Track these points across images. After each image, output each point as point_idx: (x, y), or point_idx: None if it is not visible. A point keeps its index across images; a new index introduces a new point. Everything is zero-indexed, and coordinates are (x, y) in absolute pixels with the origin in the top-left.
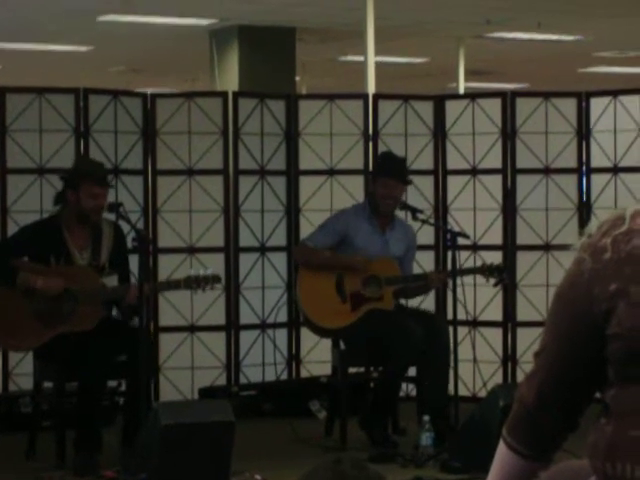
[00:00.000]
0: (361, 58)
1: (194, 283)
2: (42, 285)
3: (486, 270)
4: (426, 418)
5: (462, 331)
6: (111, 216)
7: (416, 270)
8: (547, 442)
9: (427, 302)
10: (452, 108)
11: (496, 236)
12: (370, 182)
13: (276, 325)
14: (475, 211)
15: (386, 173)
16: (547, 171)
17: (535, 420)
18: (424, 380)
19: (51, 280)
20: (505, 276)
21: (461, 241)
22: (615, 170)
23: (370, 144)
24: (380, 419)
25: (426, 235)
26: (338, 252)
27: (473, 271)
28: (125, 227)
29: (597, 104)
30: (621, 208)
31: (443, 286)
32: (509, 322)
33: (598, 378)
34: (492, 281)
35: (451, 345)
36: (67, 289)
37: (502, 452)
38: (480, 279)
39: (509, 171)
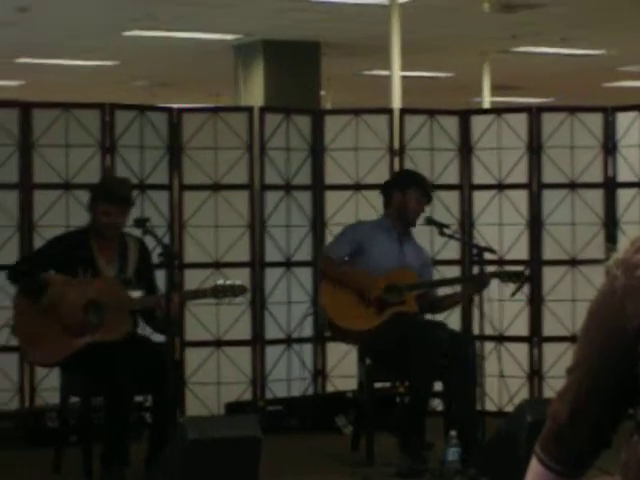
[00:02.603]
0: (386, 72)
1: (221, 292)
2: (64, 313)
3: (505, 275)
4: (453, 433)
5: (488, 346)
6: (137, 231)
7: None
8: (579, 459)
9: (453, 317)
10: (478, 123)
11: (522, 251)
12: (395, 195)
13: (302, 340)
14: (501, 226)
15: (419, 187)
16: (573, 186)
17: (567, 436)
18: (451, 395)
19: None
20: (524, 283)
21: (487, 256)
22: None
23: (396, 159)
24: (415, 433)
25: (452, 250)
26: (355, 262)
27: (493, 275)
28: (151, 242)
29: (623, 119)
30: None
31: (469, 301)
32: (535, 337)
33: (631, 395)
34: (512, 288)
35: (478, 360)
36: (94, 300)
37: (534, 468)
38: (505, 294)
39: (535, 186)
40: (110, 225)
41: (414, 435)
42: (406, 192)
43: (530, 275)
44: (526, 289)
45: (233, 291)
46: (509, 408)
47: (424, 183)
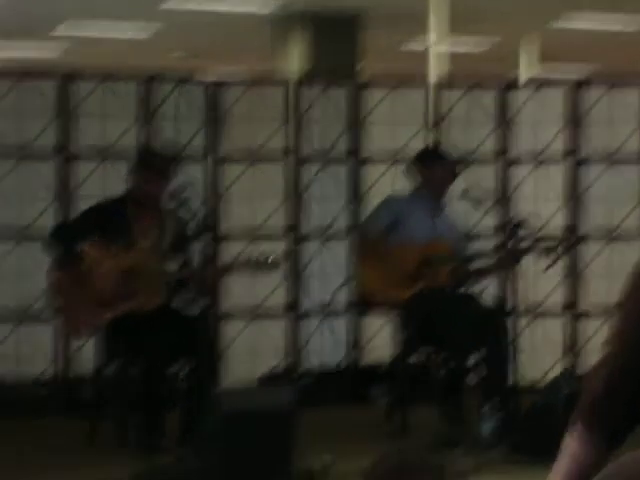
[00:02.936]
0: (425, 45)
1: (255, 265)
2: (99, 282)
3: (539, 250)
4: (488, 405)
5: (523, 320)
6: (174, 202)
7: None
8: (615, 433)
9: (487, 291)
10: (516, 96)
11: (559, 225)
12: (423, 169)
13: (337, 311)
14: (538, 200)
15: (444, 162)
16: (612, 160)
17: (603, 411)
18: (485, 368)
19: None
20: (559, 256)
21: (523, 230)
22: None
23: (433, 132)
24: (455, 401)
25: (488, 224)
26: (390, 236)
27: (528, 249)
28: (188, 213)
29: None
30: None
31: (504, 275)
32: (571, 311)
33: None
34: (545, 263)
35: (512, 334)
36: (129, 271)
37: (570, 441)
38: (541, 268)
39: (573, 159)
40: (150, 195)
41: (452, 407)
42: (431, 167)
43: (565, 249)
44: (562, 263)
45: (268, 264)
46: (544, 382)
47: (448, 158)
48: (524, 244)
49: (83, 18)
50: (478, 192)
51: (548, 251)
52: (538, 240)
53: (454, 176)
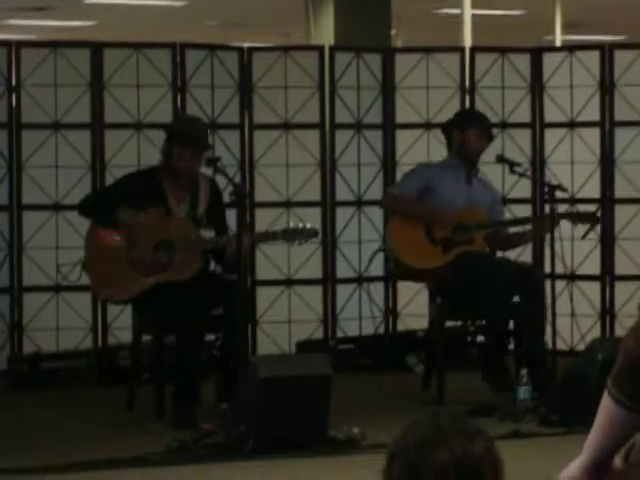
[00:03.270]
0: (457, 11)
1: (291, 235)
2: (134, 251)
3: (576, 217)
4: (524, 372)
5: (560, 285)
6: (208, 170)
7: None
8: None
9: (524, 256)
10: (549, 61)
11: (594, 189)
12: (459, 132)
13: (373, 279)
14: (573, 164)
15: (478, 125)
16: None
17: (639, 372)
18: (521, 333)
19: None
20: (595, 225)
21: (558, 194)
22: None
23: (466, 97)
24: (499, 367)
25: (523, 189)
26: (423, 202)
27: (564, 216)
28: (222, 182)
29: None
30: None
31: (540, 240)
32: (607, 275)
33: None
34: (582, 230)
35: (548, 299)
36: (165, 239)
37: (606, 404)
38: (577, 233)
39: (607, 124)
40: (186, 169)
41: (491, 374)
42: (465, 131)
43: (601, 215)
44: (598, 228)
45: (304, 234)
46: (580, 347)
47: (483, 121)
48: (561, 210)
49: None
50: (513, 156)
51: (585, 218)
52: (574, 205)
53: (489, 139)
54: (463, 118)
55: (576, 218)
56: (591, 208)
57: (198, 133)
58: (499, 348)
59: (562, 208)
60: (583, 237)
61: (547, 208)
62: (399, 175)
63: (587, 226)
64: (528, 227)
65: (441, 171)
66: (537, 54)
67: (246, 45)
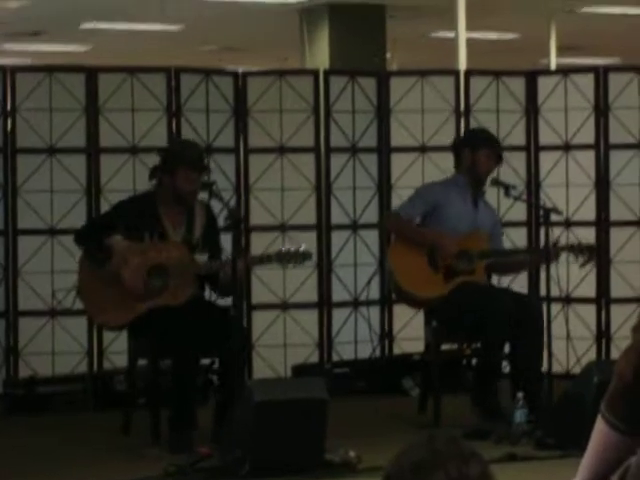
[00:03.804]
0: (452, 34)
1: (285, 258)
2: (128, 277)
3: (577, 250)
4: (520, 395)
5: (555, 308)
6: (203, 195)
7: (506, 246)
8: None
9: (520, 278)
10: (544, 84)
11: (589, 212)
12: (466, 153)
13: (369, 302)
14: (568, 187)
15: (489, 145)
16: None
17: (632, 395)
18: (518, 357)
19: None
20: (594, 257)
21: (554, 217)
22: None
23: (462, 120)
24: (490, 391)
25: (519, 212)
26: (428, 223)
27: (565, 249)
28: (217, 206)
29: None
30: None
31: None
32: (603, 298)
33: None
34: (580, 260)
35: (544, 322)
36: (158, 265)
37: (600, 428)
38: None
39: (602, 146)
40: (192, 192)
41: (485, 397)
42: (476, 150)
43: (597, 237)
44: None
45: (298, 257)
46: (576, 370)
47: (494, 141)
48: (557, 233)
49: (109, 12)
50: (508, 179)
51: (585, 252)
52: (568, 225)
53: (498, 161)
54: (475, 138)
55: (577, 251)
56: (587, 231)
57: (195, 154)
58: (492, 373)
59: (558, 231)
60: (581, 266)
61: (542, 232)
62: (394, 198)
63: (586, 256)
64: (528, 258)
65: (447, 188)
66: (532, 77)
67: (241, 69)
